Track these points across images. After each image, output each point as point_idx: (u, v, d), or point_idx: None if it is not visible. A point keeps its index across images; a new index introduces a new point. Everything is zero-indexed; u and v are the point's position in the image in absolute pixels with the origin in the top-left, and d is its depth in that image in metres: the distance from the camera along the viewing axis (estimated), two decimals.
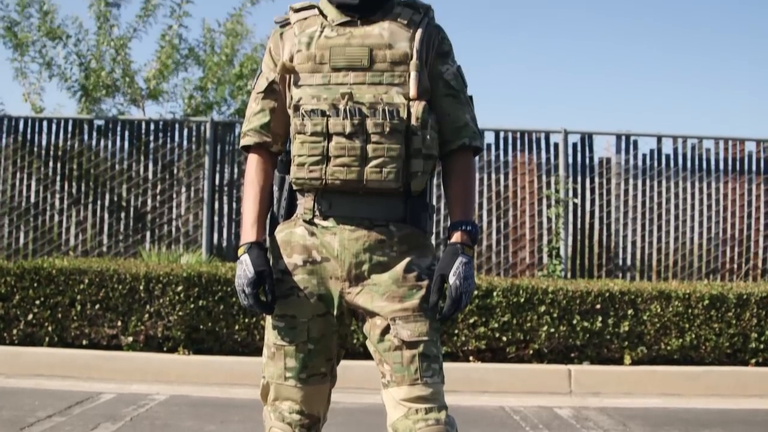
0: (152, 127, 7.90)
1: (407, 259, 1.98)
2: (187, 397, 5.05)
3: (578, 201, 7.66)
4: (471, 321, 5.75)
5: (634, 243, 7.68)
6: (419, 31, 2.01)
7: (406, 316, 1.94)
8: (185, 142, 7.83)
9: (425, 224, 2.04)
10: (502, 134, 7.74)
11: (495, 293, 5.78)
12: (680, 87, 24.12)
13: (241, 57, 9.74)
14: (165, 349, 5.80)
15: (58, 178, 7.79)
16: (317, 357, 2.03)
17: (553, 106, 24.93)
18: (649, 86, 24.05)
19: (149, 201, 7.77)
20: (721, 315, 5.86)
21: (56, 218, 7.77)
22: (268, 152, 2.11)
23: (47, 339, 5.82)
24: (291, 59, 2.03)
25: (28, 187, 7.82)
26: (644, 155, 7.77)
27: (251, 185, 2.09)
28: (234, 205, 7.76)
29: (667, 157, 7.77)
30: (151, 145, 7.82)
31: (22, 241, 7.75)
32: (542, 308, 5.77)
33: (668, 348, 5.82)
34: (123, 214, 7.78)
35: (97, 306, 5.81)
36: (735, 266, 7.68)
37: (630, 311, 5.82)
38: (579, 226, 7.67)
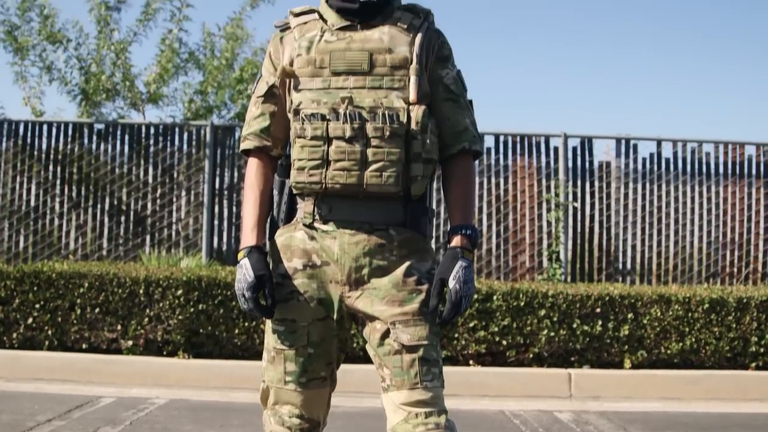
0: (152, 131, 7.91)
1: (407, 263, 1.98)
2: (187, 401, 5.04)
3: (578, 205, 7.66)
4: (471, 325, 5.75)
5: (634, 247, 7.68)
6: (419, 36, 2.01)
7: (405, 320, 1.94)
8: (185, 146, 7.84)
9: (425, 228, 2.04)
10: (501, 138, 7.74)
11: (495, 297, 5.78)
12: (680, 91, 24.15)
13: (241, 61, 9.75)
14: (165, 353, 5.79)
15: (58, 181, 7.80)
16: (317, 361, 2.03)
17: (552, 110, 24.94)
18: (648, 90, 24.07)
19: (149, 205, 7.78)
20: (721, 319, 5.86)
21: (56, 222, 7.77)
22: (268, 156, 2.11)
23: (47, 343, 5.82)
24: (291, 63, 2.04)
25: (28, 190, 7.82)
26: (644, 159, 7.78)
27: (251, 189, 2.09)
28: (234, 208, 7.77)
29: (667, 160, 7.78)
30: (151, 149, 7.83)
31: (22, 244, 7.75)
32: (542, 312, 5.77)
33: (668, 352, 5.81)
34: (123, 218, 7.78)
35: (96, 310, 5.80)
36: (735, 270, 7.68)
37: (630, 315, 5.82)
38: (579, 229, 7.67)
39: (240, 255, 2.03)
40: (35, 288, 5.84)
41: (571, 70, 24.03)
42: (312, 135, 1.95)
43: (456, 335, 5.74)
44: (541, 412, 5.03)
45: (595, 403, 5.38)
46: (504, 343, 5.76)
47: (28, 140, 7.85)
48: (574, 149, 7.72)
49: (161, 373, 5.59)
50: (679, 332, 5.83)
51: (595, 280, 7.48)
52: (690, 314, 5.84)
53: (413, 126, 1.95)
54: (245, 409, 4.78)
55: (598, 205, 7.71)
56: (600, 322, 5.80)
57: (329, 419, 2.16)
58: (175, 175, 7.80)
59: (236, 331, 5.74)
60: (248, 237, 2.05)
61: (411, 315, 1.94)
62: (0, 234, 7.76)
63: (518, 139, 7.74)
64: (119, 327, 5.80)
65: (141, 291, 5.78)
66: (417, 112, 1.96)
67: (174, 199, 7.80)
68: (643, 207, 7.72)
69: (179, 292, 5.75)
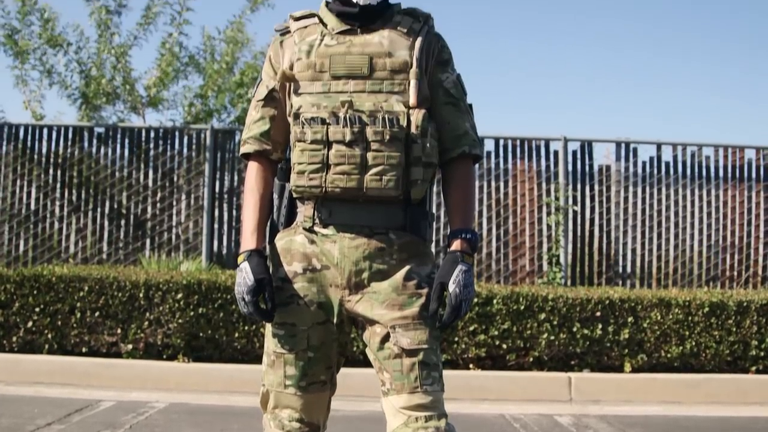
0: (152, 134, 7.91)
1: (407, 267, 1.98)
2: (187, 405, 5.04)
3: (578, 208, 7.67)
4: (471, 328, 5.74)
5: (634, 250, 7.68)
6: (419, 40, 2.01)
7: (405, 324, 1.94)
8: (185, 150, 7.84)
9: (425, 232, 2.04)
10: (501, 142, 7.75)
11: (495, 301, 5.77)
12: (680, 94, 24.16)
13: (241, 65, 9.76)
14: (165, 356, 5.79)
15: (58, 185, 7.80)
16: (317, 365, 2.03)
17: (552, 114, 24.97)
18: (648, 93, 24.09)
19: (149, 208, 7.78)
20: (722, 322, 5.86)
21: (56, 225, 7.78)
22: (268, 160, 2.12)
23: (47, 346, 5.81)
24: (291, 67, 2.04)
25: (29, 194, 7.82)
26: (644, 162, 7.78)
27: (251, 193, 2.10)
28: (234, 212, 7.77)
29: (667, 164, 7.78)
30: (151, 152, 7.83)
31: (22, 248, 7.76)
32: (542, 316, 5.77)
33: (668, 356, 5.81)
34: (123, 222, 7.78)
35: (96, 313, 5.80)
36: (735, 274, 7.68)
37: (630, 319, 5.82)
38: (579, 233, 7.67)
39: (240, 259, 2.03)
40: (35, 291, 5.84)
41: (571, 74, 24.06)
42: (312, 139, 1.95)
43: (456, 339, 5.74)
44: (541, 415, 5.03)
45: (595, 406, 5.37)
46: (504, 346, 5.76)
47: (29, 144, 7.86)
48: (574, 153, 7.73)
49: (161, 376, 5.59)
50: (679, 336, 5.83)
51: (595, 283, 7.48)
52: (690, 318, 5.84)
53: (413, 130, 1.95)
54: (245, 412, 4.78)
55: (598, 209, 7.71)
56: (600, 326, 5.79)
57: (329, 423, 2.16)
58: (175, 178, 7.80)
59: (236, 334, 5.74)
60: (248, 241, 2.05)
61: (411, 319, 1.94)
62: (0, 237, 7.76)
63: (518, 142, 7.74)
64: (119, 330, 5.80)
65: (141, 295, 5.78)
66: (417, 116, 1.96)
67: (174, 203, 7.80)
68: (643, 210, 7.72)
69: (179, 295, 5.75)
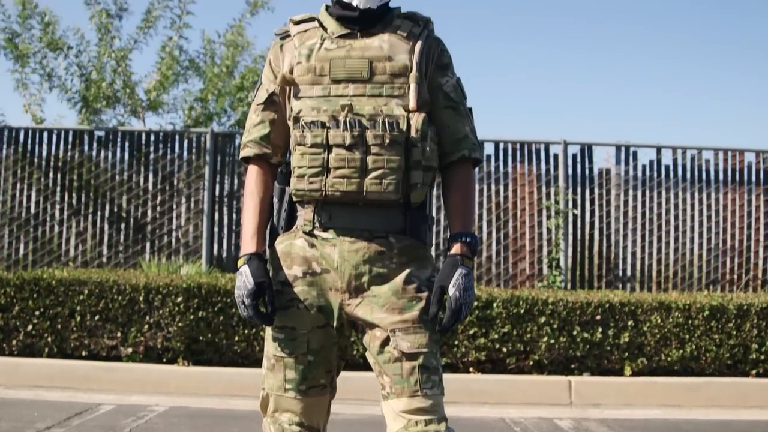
0: (152, 138, 7.92)
1: (407, 271, 1.98)
2: (187, 409, 5.03)
3: (578, 212, 7.67)
4: (471, 332, 5.74)
5: (634, 254, 7.68)
6: (419, 44, 2.02)
7: (405, 327, 1.94)
8: (185, 153, 7.85)
9: (425, 236, 2.05)
10: (501, 145, 7.75)
11: (495, 304, 5.77)
12: (680, 98, 24.18)
13: (241, 69, 9.77)
14: (164, 360, 5.79)
15: (59, 188, 7.81)
16: (317, 368, 2.02)
17: (552, 117, 24.98)
18: (648, 97, 24.11)
19: (149, 212, 7.78)
20: (722, 326, 5.86)
21: (56, 229, 7.78)
22: (268, 164, 2.12)
23: (47, 350, 5.81)
24: (291, 71, 2.04)
25: (29, 197, 7.83)
26: (644, 166, 7.78)
27: (251, 196, 2.10)
28: (234, 216, 7.77)
29: (667, 167, 7.79)
30: (152, 156, 7.83)
31: (22, 251, 7.76)
32: (542, 319, 5.77)
33: (668, 359, 5.81)
34: (123, 225, 7.79)
35: (96, 317, 5.80)
36: (735, 277, 7.68)
37: (630, 322, 5.82)
38: (579, 237, 7.67)
39: (240, 262, 2.03)
40: (35, 295, 5.84)
41: (571, 77, 24.08)
42: (312, 142, 1.95)
43: (456, 342, 5.74)
44: (541, 419, 5.02)
45: (595, 410, 5.37)
46: (504, 350, 5.76)
47: (29, 147, 7.87)
48: (574, 156, 7.73)
49: (161, 380, 5.58)
50: (679, 339, 5.83)
51: (595, 287, 7.48)
52: (690, 321, 5.84)
53: (413, 133, 1.96)
54: (245, 416, 4.77)
55: (598, 212, 7.71)
56: (600, 329, 5.79)
57: (329, 427, 2.16)
58: (175, 182, 7.81)
59: (236, 338, 5.74)
60: (248, 244, 2.05)
61: (411, 322, 1.94)
62: (0, 241, 7.77)
63: (518, 146, 7.75)
64: (119, 334, 5.80)
65: (141, 298, 5.78)
66: (417, 119, 1.96)
67: (174, 206, 7.80)
68: (643, 214, 7.72)
69: (179, 299, 5.75)
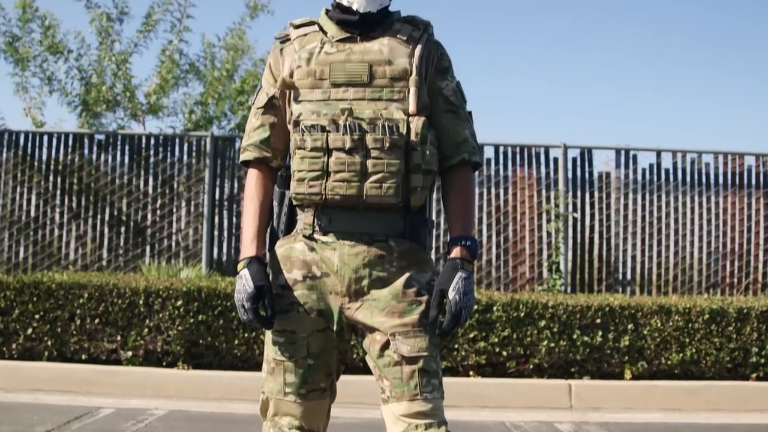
0: (152, 141, 7.92)
1: (407, 275, 1.99)
2: (186, 412, 5.03)
3: (578, 215, 7.67)
4: (471, 336, 5.74)
5: (634, 257, 7.68)
6: (419, 47, 2.02)
7: (405, 331, 1.94)
8: (185, 157, 7.85)
9: (425, 239, 2.05)
10: (501, 149, 7.75)
11: (495, 308, 5.77)
12: (680, 101, 24.19)
13: (242, 72, 9.78)
14: (164, 363, 5.78)
15: (59, 192, 7.80)
16: (317, 372, 2.02)
17: (552, 121, 24.98)
18: (648, 100, 24.12)
19: (149, 215, 7.78)
20: (722, 329, 5.85)
21: (56, 232, 7.78)
22: (267, 167, 2.12)
23: (46, 353, 5.81)
24: (291, 75, 2.04)
25: (29, 201, 7.82)
26: (644, 170, 7.78)
27: (251, 200, 2.10)
28: (234, 219, 7.77)
29: (667, 171, 7.79)
30: (152, 159, 7.83)
31: (21, 255, 7.75)
32: (542, 323, 5.76)
33: (668, 363, 5.81)
34: (123, 229, 7.78)
35: (96, 320, 5.80)
36: (735, 280, 7.68)
37: (630, 326, 5.82)
38: (579, 240, 7.67)
39: (240, 266, 2.04)
40: (35, 298, 5.84)
41: (571, 81, 24.10)
42: (312, 146, 1.96)
43: (456, 346, 5.74)
44: (541, 423, 5.02)
45: (595, 414, 5.36)
46: (504, 353, 5.75)
47: (29, 151, 7.86)
48: (574, 160, 7.73)
49: (161, 383, 5.58)
50: (679, 343, 5.82)
51: (595, 290, 7.48)
52: (690, 325, 5.84)
53: (413, 137, 1.96)
54: (245, 420, 4.77)
55: (598, 216, 7.71)
56: (600, 333, 5.79)
57: (329, 430, 2.15)
58: (175, 185, 7.81)
59: (236, 342, 5.73)
60: (248, 248, 2.05)
61: (411, 326, 1.94)
62: (0, 244, 7.76)
63: (518, 149, 7.75)
64: (119, 338, 5.79)
65: (141, 302, 5.77)
66: (416, 123, 1.96)
67: (174, 210, 7.80)
68: (643, 217, 7.72)
69: (179, 302, 5.74)
